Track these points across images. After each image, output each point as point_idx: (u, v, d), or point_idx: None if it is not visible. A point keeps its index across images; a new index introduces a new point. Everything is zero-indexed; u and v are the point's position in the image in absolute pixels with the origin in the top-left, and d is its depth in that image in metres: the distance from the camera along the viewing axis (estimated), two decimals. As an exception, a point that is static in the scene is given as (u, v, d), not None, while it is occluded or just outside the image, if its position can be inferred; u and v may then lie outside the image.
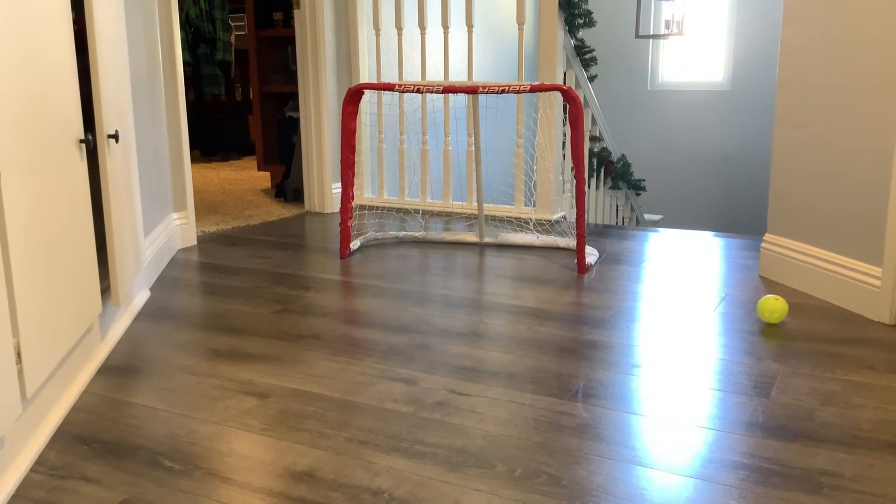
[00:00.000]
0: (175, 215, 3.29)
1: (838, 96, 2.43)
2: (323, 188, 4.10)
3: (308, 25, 3.89)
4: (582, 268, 2.89)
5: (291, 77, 4.63)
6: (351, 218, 3.15)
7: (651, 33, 6.93)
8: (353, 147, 3.07)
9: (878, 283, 2.32)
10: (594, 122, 4.72)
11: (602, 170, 4.96)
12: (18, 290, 1.47)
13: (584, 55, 4.46)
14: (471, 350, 2.14)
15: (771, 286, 2.69)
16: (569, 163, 3.83)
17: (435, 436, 1.65)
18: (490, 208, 3.87)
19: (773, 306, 2.30)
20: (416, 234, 3.44)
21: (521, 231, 3.48)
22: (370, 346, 2.19)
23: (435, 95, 3.97)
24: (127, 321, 2.36)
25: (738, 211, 7.03)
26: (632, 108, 7.29)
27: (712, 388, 1.88)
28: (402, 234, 3.45)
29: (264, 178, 5.33)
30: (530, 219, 3.68)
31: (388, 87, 3.05)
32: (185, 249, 3.31)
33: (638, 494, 1.42)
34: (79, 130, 1.89)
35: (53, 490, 1.46)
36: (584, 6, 4.17)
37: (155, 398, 1.86)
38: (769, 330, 2.27)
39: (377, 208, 4.03)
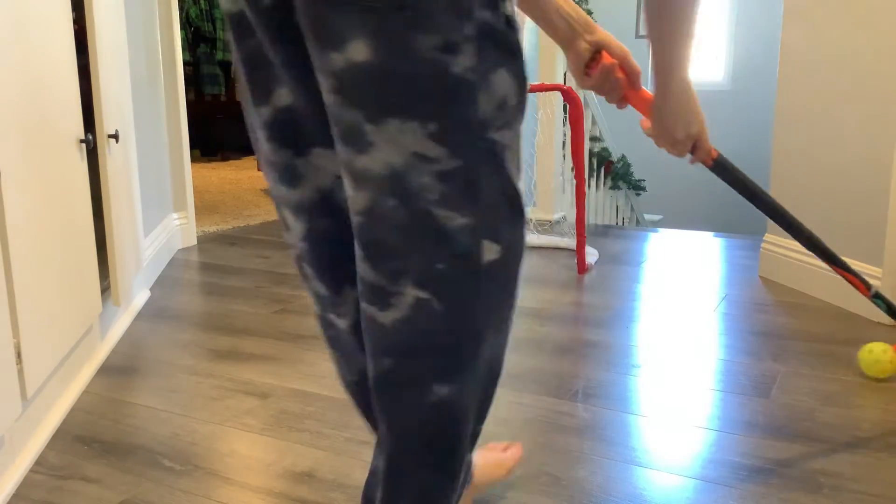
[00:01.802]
0: (175, 215, 3.29)
1: (838, 96, 2.43)
2: (323, 188, 4.09)
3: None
4: (582, 268, 2.89)
5: (291, 77, 4.63)
6: (351, 218, 3.14)
7: (651, 33, 6.92)
8: (353, 147, 3.07)
9: (878, 283, 2.31)
10: (594, 122, 4.72)
11: (602, 170, 4.96)
12: (18, 290, 1.47)
13: (584, 55, 4.45)
14: (471, 350, 2.14)
15: (771, 286, 2.69)
16: (569, 163, 3.83)
17: (435, 436, 1.65)
18: (490, 208, 3.86)
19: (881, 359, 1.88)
20: (416, 234, 3.43)
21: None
22: (370, 346, 2.18)
23: (435, 95, 3.96)
24: (127, 321, 2.36)
25: (738, 211, 7.03)
26: (632, 108, 7.28)
27: (712, 388, 1.88)
28: (402, 233, 3.45)
29: (264, 178, 5.33)
30: (530, 219, 3.68)
31: (388, 87, 3.04)
32: (184, 249, 3.31)
33: (638, 495, 1.42)
34: (79, 130, 1.89)
35: (53, 490, 1.46)
36: (584, 6, 4.17)
37: (155, 398, 1.86)
38: (769, 330, 2.27)
39: (377, 208, 4.03)
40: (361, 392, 1.09)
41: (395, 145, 0.84)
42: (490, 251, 0.90)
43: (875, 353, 1.88)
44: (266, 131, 0.95)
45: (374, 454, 1.03)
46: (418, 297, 0.89)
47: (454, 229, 0.87)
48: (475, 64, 0.83)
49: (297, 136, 0.95)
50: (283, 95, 0.92)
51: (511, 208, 0.92)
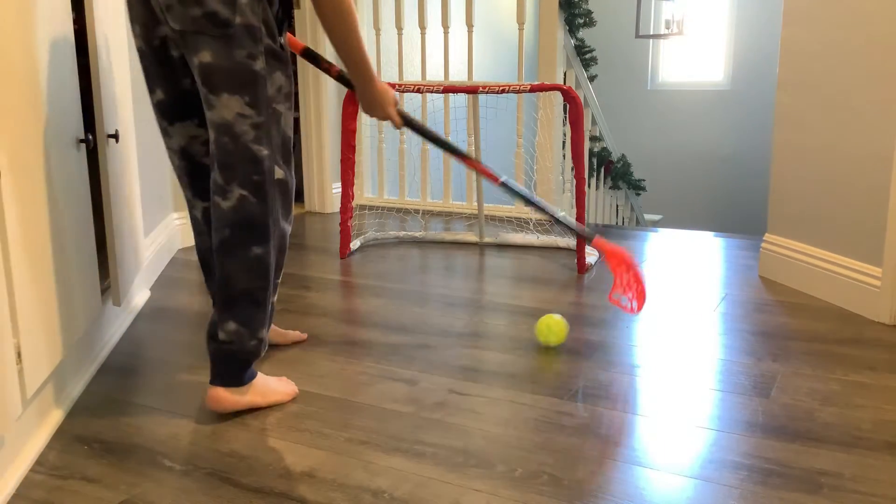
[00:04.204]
0: (175, 215, 3.29)
1: (838, 96, 2.43)
2: (323, 188, 4.10)
3: (308, 25, 3.89)
4: (582, 268, 2.89)
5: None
6: (351, 218, 3.15)
7: (651, 33, 6.93)
8: (353, 147, 3.07)
9: (878, 283, 2.31)
10: (594, 121, 4.72)
11: (602, 170, 4.96)
12: (18, 290, 1.47)
13: (584, 55, 4.46)
14: (471, 350, 2.14)
15: (771, 286, 2.69)
16: (569, 163, 3.83)
17: (435, 436, 1.65)
18: (490, 208, 3.87)
19: (551, 327, 2.13)
20: (416, 234, 3.44)
21: (521, 231, 3.48)
22: (370, 346, 2.19)
23: (435, 95, 3.97)
24: (127, 321, 2.35)
25: (738, 211, 7.03)
26: (632, 108, 7.29)
27: (712, 388, 1.88)
28: (402, 234, 3.45)
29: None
30: (530, 219, 3.68)
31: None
32: (185, 249, 3.31)
33: (638, 494, 1.42)
34: (79, 130, 1.89)
35: (53, 490, 1.46)
36: (584, 6, 4.17)
37: (155, 398, 1.86)
38: (769, 330, 2.27)
39: (377, 208, 4.03)
40: (207, 258, 1.86)
41: (226, 108, 1.58)
42: (278, 173, 1.67)
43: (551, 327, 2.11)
44: (154, 110, 1.76)
45: (213, 300, 1.75)
46: (241, 194, 1.61)
47: (261, 157, 1.61)
48: (264, 66, 1.60)
49: (167, 114, 1.75)
50: (158, 93, 1.73)
51: (286, 152, 1.70)
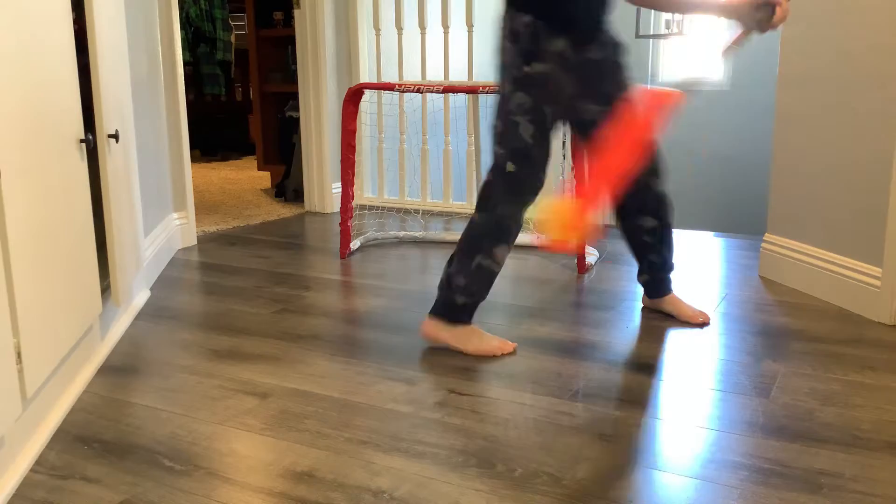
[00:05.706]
0: (175, 215, 3.29)
1: (838, 96, 2.43)
2: (323, 188, 4.10)
3: (308, 25, 3.90)
4: (582, 268, 2.89)
5: (291, 77, 4.63)
6: (351, 218, 3.15)
7: (651, 33, 6.93)
8: (353, 147, 3.07)
9: (878, 283, 2.31)
10: (594, 121, 4.71)
11: (602, 170, 4.95)
12: (18, 290, 1.47)
13: (584, 55, 4.44)
14: (471, 350, 2.14)
15: (771, 286, 2.69)
16: (569, 163, 3.82)
17: (435, 436, 1.65)
18: (490, 208, 3.85)
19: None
20: (416, 234, 3.44)
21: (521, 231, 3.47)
22: (370, 346, 2.19)
23: (435, 95, 3.96)
24: (127, 321, 2.36)
25: (738, 211, 7.02)
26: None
27: (712, 388, 1.88)
28: (402, 234, 3.45)
29: (264, 178, 5.33)
30: (530, 219, 3.67)
31: (388, 87, 3.05)
32: (185, 249, 3.32)
33: (638, 495, 1.42)
34: (79, 130, 1.89)
35: (53, 490, 1.46)
36: (584, 6, 4.16)
37: (155, 398, 1.86)
38: (769, 330, 2.27)
39: (377, 208, 4.03)
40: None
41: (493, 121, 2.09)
42: (510, 167, 2.05)
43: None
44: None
45: None
46: (489, 178, 2.10)
47: (497, 153, 2.07)
48: (508, 90, 2.03)
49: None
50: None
51: (521, 152, 2.05)
